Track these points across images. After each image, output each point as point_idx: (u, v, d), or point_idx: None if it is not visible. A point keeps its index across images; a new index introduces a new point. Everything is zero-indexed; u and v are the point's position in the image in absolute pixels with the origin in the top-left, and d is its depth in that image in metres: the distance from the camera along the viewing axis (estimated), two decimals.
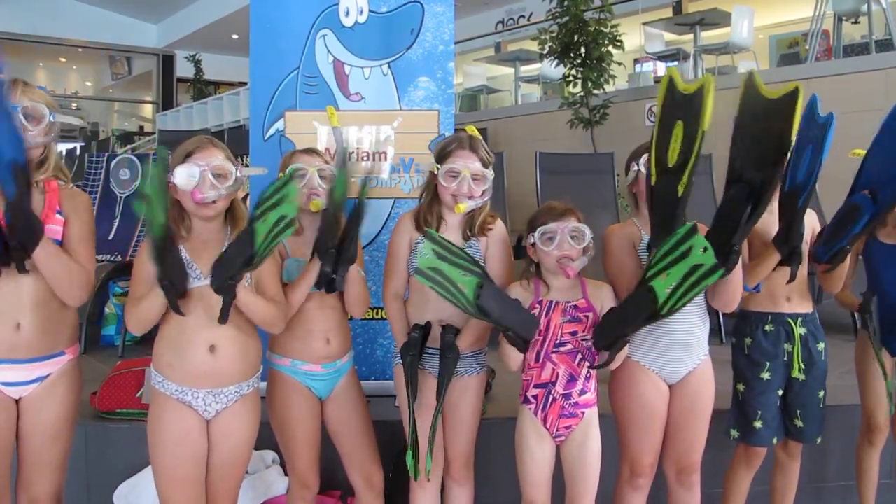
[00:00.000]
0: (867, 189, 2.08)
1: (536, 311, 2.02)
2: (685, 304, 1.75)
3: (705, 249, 1.68)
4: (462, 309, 1.84)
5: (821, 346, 2.30)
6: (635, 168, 2.16)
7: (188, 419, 1.84)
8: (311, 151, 2.18)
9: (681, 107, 1.85)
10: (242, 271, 1.72)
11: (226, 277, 1.70)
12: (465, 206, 2.05)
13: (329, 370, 2.11)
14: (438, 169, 2.07)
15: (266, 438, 2.15)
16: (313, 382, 2.09)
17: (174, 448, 1.84)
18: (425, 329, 2.05)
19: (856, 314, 3.47)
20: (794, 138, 1.78)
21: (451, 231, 2.12)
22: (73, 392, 1.92)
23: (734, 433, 2.34)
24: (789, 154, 1.86)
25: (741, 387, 2.33)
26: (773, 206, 2.25)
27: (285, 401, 2.08)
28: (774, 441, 2.31)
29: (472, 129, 2.22)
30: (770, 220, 2.23)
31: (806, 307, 2.31)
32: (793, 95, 1.73)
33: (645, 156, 2.10)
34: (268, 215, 1.68)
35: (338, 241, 1.94)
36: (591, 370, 2.04)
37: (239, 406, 1.89)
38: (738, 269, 1.99)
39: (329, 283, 1.99)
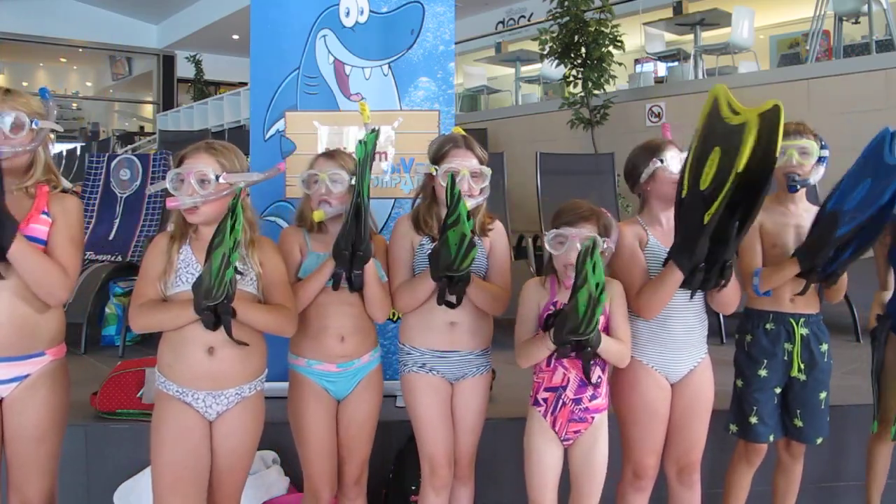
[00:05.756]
0: (834, 209, 2.07)
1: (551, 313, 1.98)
2: (597, 321, 1.77)
3: (594, 267, 1.75)
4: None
5: (824, 347, 2.30)
6: (651, 166, 2.14)
7: (188, 419, 1.83)
8: (329, 155, 2.12)
9: (720, 135, 1.82)
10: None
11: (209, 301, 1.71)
12: (466, 204, 2.04)
13: (345, 370, 2.07)
14: (436, 170, 2.05)
15: (266, 438, 2.14)
16: (329, 384, 2.06)
17: (172, 446, 1.83)
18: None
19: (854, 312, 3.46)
20: (777, 156, 1.76)
21: None
22: (56, 394, 1.89)
23: (733, 428, 2.36)
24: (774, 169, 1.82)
25: (739, 382, 2.35)
26: (789, 209, 2.27)
27: (300, 404, 2.05)
28: (771, 438, 2.31)
29: (458, 130, 2.20)
30: (782, 222, 2.26)
31: (811, 308, 2.30)
32: (775, 113, 1.71)
33: (655, 157, 2.12)
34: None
35: (353, 242, 1.91)
36: (601, 376, 2.02)
37: (240, 408, 1.88)
38: (733, 277, 2.01)
39: (347, 282, 1.98)
